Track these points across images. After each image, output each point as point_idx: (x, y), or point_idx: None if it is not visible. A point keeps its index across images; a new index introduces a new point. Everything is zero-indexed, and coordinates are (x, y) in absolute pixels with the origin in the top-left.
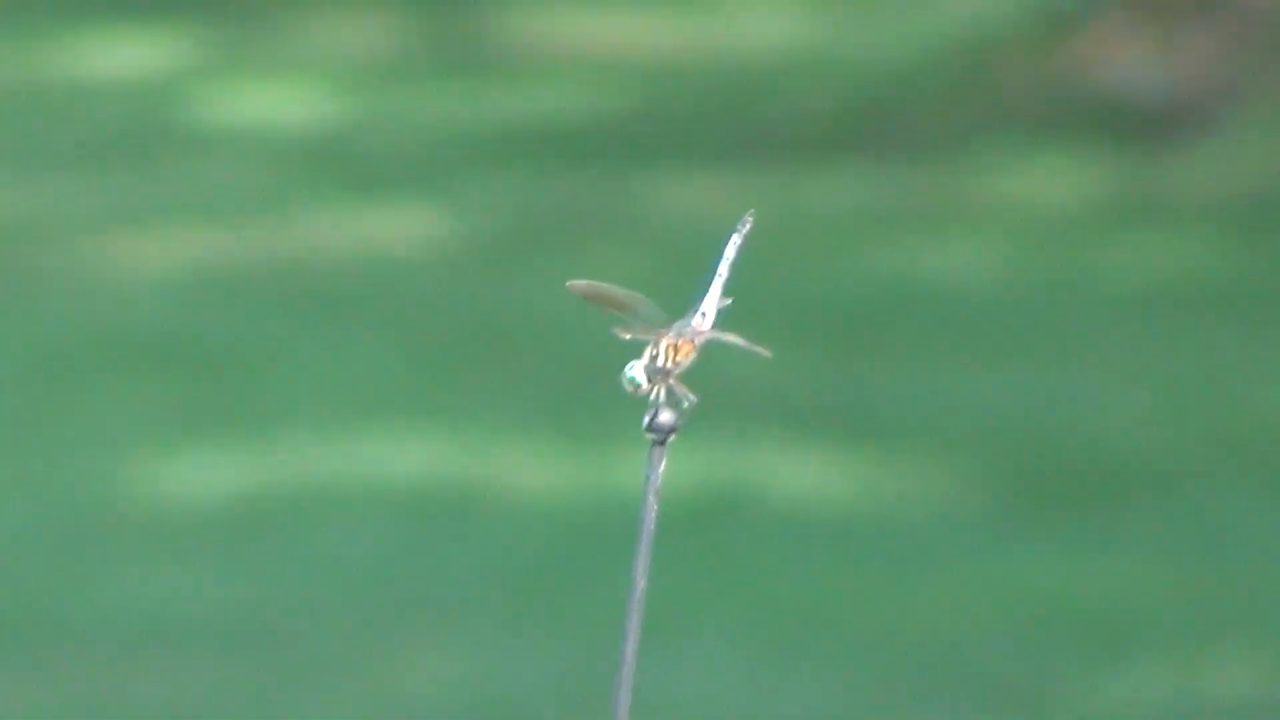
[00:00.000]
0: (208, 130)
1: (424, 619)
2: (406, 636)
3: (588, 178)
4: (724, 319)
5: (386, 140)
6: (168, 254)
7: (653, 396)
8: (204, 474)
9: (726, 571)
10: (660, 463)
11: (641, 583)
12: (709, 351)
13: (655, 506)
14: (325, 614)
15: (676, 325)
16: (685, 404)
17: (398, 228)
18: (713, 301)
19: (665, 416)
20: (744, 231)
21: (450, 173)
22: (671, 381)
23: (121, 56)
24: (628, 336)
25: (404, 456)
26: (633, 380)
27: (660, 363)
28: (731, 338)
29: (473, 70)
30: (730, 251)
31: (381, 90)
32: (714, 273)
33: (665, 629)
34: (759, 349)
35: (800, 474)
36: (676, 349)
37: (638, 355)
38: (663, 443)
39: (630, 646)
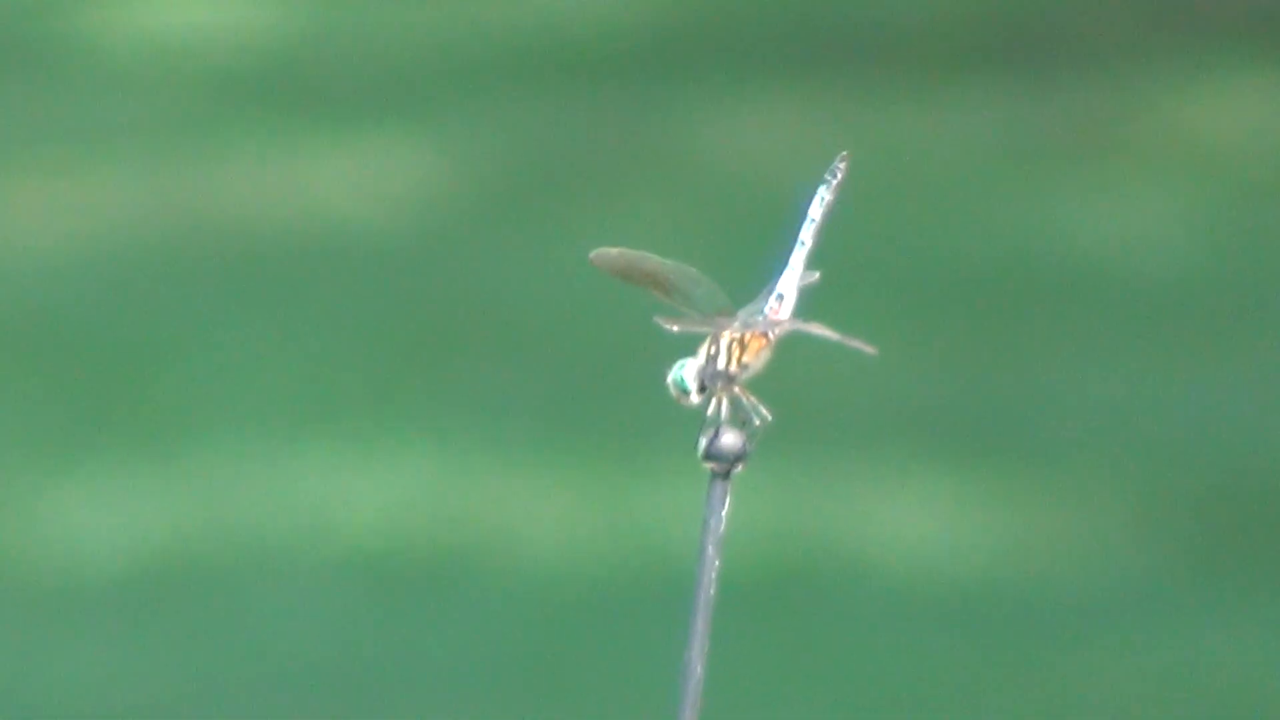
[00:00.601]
0: (102, 44)
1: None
2: None
3: (614, 106)
4: (809, 303)
5: (344, 58)
6: (49, 211)
7: (711, 410)
8: (95, 515)
9: (811, 654)
10: (723, 503)
11: (698, 669)
12: (788, 349)
13: (716, 563)
14: (259, 712)
15: (743, 313)
16: (756, 422)
17: (360, 176)
18: (793, 280)
19: (729, 439)
20: (835, 183)
21: (430, 102)
22: (737, 390)
23: None
24: (675, 328)
25: (366, 491)
26: (682, 384)
27: (722, 364)
28: (819, 329)
29: None
30: (816, 210)
31: None
32: (794, 240)
33: None
34: (857, 344)
35: (911, 519)
36: (743, 346)
37: (690, 351)
38: (726, 475)
39: None
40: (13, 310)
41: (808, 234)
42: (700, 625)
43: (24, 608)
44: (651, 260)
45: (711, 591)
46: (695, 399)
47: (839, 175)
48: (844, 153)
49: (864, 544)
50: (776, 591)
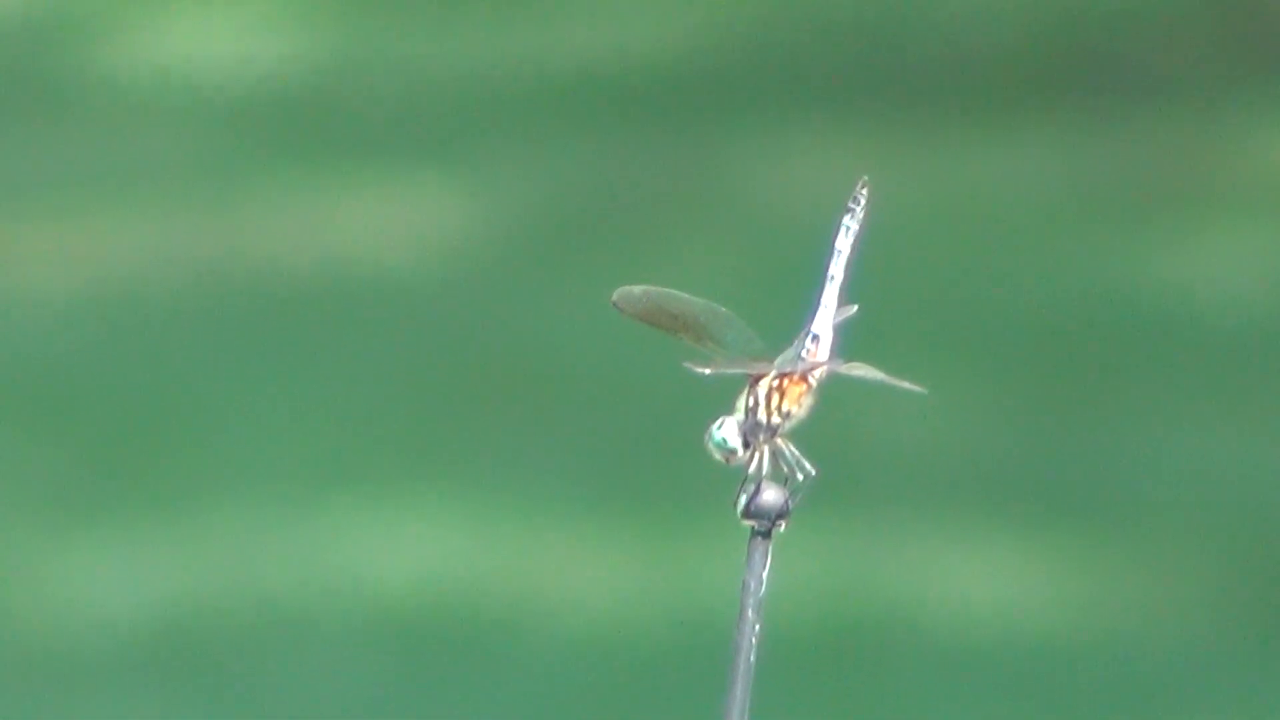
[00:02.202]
0: (117, 78)
1: None
2: None
3: (655, 145)
4: (857, 345)
5: (372, 93)
6: (61, 256)
7: (752, 467)
8: (110, 577)
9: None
10: (764, 564)
11: None
12: (836, 398)
13: (757, 627)
14: None
15: (781, 357)
16: (799, 477)
17: (389, 218)
18: (827, 318)
19: (771, 496)
20: (858, 211)
21: (463, 138)
22: (779, 443)
23: None
24: (707, 372)
25: (396, 551)
26: (723, 445)
27: (762, 416)
28: (862, 370)
29: None
30: (842, 241)
31: (367, 20)
32: (823, 276)
33: None
34: (904, 384)
35: (973, 581)
36: (782, 393)
37: (728, 403)
38: (767, 534)
39: None
40: (24, 361)
41: (836, 268)
42: (739, 693)
43: (37, 672)
44: (679, 300)
45: (752, 658)
46: (741, 456)
47: (861, 202)
48: (863, 178)
49: (922, 605)
50: (829, 655)
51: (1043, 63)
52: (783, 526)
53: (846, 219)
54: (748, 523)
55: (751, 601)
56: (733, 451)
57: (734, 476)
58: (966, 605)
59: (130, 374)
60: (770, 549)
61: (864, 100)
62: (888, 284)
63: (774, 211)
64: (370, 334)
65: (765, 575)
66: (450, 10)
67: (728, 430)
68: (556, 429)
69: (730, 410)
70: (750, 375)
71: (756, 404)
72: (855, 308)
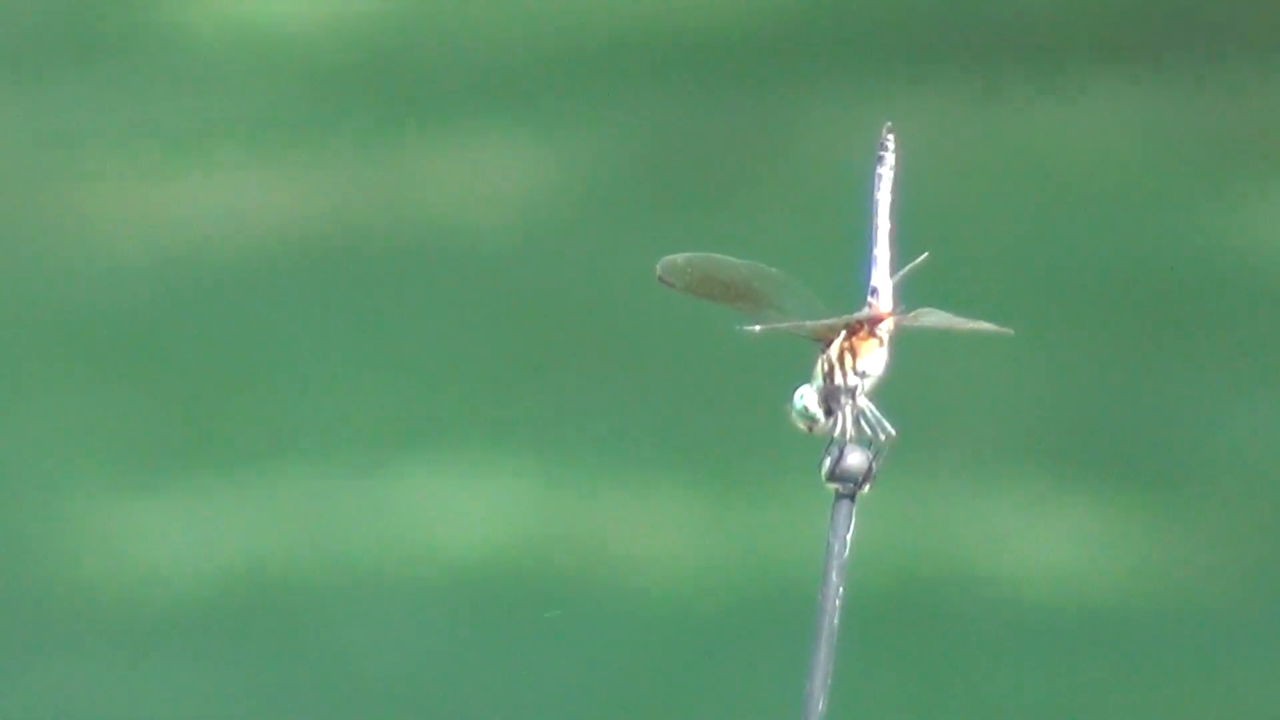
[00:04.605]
0: (191, 37)
1: None
2: None
3: (731, 103)
4: (922, 302)
5: (447, 51)
6: (133, 213)
7: (836, 430)
8: (182, 536)
9: (942, 681)
10: (848, 526)
11: (820, 703)
12: (914, 358)
13: (840, 590)
14: None
15: (853, 315)
16: (882, 438)
17: (464, 177)
18: (884, 271)
19: (855, 459)
20: (888, 158)
21: (539, 97)
22: (861, 403)
23: None
24: (758, 330)
25: (469, 511)
26: (807, 413)
27: (839, 379)
28: (934, 318)
29: None
30: (882, 191)
31: None
32: (870, 230)
33: None
34: (985, 326)
35: (1046, 543)
36: (855, 351)
37: (799, 362)
38: (851, 497)
39: None
40: (97, 321)
41: (881, 217)
42: (823, 656)
43: (109, 632)
44: (727, 266)
45: (835, 620)
46: (824, 423)
47: (890, 148)
48: (887, 123)
49: (997, 569)
50: (907, 616)
51: (1115, 19)
52: (867, 489)
53: (879, 169)
54: (833, 485)
55: (835, 564)
56: (815, 420)
57: (801, 436)
58: (1040, 567)
59: (204, 334)
60: (854, 511)
61: (931, 59)
62: (955, 242)
63: (846, 169)
64: (445, 291)
65: (849, 538)
66: None
67: (809, 399)
68: (631, 388)
69: (808, 379)
70: (822, 340)
71: (832, 368)
72: (925, 255)
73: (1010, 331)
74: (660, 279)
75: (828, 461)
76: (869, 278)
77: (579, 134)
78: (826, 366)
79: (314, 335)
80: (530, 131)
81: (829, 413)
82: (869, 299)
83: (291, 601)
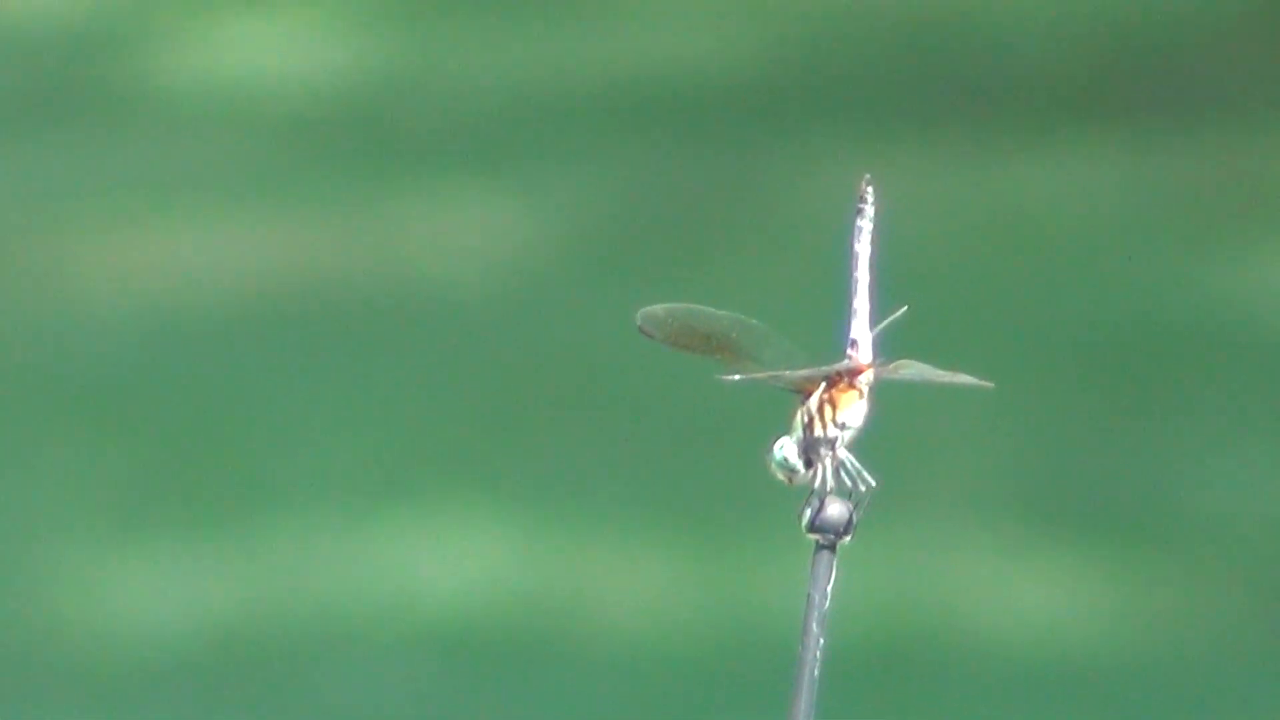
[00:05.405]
0: (169, 90)
1: None
2: None
3: (714, 158)
4: (898, 342)
5: (426, 104)
6: (113, 266)
7: (816, 481)
8: (161, 590)
9: None
10: (829, 577)
11: None
12: (892, 411)
13: (821, 641)
14: None
15: (831, 367)
16: (862, 489)
17: (441, 231)
18: (863, 323)
19: (836, 510)
20: (867, 210)
21: (518, 151)
22: (840, 454)
23: None
24: (737, 378)
25: (446, 564)
26: (785, 465)
27: (819, 430)
28: (914, 370)
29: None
30: (861, 243)
31: (420, 32)
32: (849, 282)
33: None
34: (964, 379)
35: (1025, 594)
36: (834, 403)
37: (777, 413)
38: (832, 547)
39: None
40: (77, 373)
41: (861, 270)
42: (803, 708)
43: (91, 685)
44: (707, 317)
45: (815, 671)
46: (803, 475)
47: (869, 200)
48: (866, 175)
49: (978, 618)
50: (887, 667)
51: (1097, 77)
52: (847, 539)
53: (859, 220)
54: (813, 536)
55: (816, 615)
56: (795, 471)
57: (781, 488)
58: (1019, 619)
59: (185, 387)
60: (835, 563)
61: (917, 115)
62: (939, 298)
63: (824, 225)
64: (422, 346)
65: (829, 589)
66: (503, 23)
67: (789, 450)
68: (608, 442)
69: (787, 430)
70: (802, 392)
71: (811, 419)
72: (904, 309)
73: (990, 385)
74: (640, 330)
75: (808, 512)
76: (848, 330)
77: (557, 187)
78: (806, 418)
79: (295, 388)
80: (509, 185)
81: (809, 464)
82: (848, 351)
83: (274, 654)
